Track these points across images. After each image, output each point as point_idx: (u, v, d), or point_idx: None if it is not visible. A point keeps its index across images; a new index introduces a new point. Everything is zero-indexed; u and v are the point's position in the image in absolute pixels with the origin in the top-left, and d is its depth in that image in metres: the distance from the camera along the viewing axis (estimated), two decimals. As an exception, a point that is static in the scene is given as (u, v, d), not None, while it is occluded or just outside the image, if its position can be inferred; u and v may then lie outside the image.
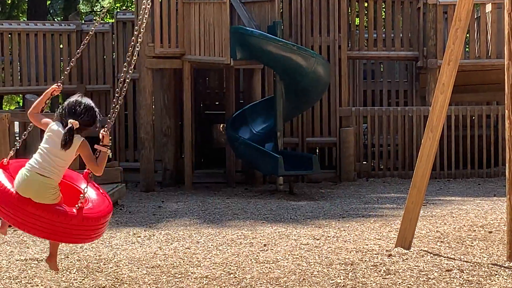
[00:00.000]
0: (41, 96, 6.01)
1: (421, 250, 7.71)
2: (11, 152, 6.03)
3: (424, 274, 6.72)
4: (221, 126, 16.26)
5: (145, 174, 14.22)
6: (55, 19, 27.24)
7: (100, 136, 5.81)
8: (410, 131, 15.47)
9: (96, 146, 5.79)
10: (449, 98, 7.67)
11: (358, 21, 16.31)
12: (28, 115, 5.94)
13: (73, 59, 6.45)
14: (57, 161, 5.71)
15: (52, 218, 5.66)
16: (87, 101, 5.83)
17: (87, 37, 6.61)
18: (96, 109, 5.84)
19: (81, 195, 5.82)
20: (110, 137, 5.99)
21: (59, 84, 6.08)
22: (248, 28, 13.52)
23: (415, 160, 8.33)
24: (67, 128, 5.66)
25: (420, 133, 14.68)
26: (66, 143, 5.64)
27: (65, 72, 6.49)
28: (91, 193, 5.97)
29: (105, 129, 5.86)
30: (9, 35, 15.91)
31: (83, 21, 17.73)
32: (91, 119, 5.78)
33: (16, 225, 5.78)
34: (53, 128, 5.77)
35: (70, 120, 5.68)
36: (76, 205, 5.76)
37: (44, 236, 5.85)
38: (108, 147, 5.82)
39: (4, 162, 5.92)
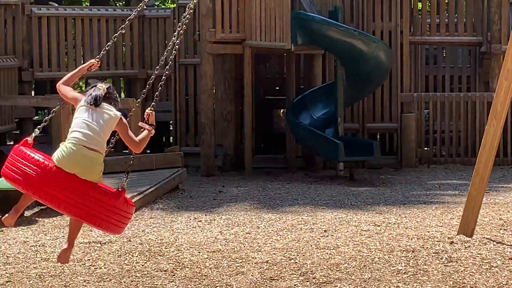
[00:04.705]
0: (76, 70, 5.53)
1: (484, 238, 7.62)
2: (36, 130, 5.50)
3: (486, 262, 6.64)
4: (281, 111, 16.24)
5: (205, 159, 14.29)
6: (117, 5, 27.47)
7: (145, 115, 5.42)
8: (473, 117, 15.25)
9: (140, 124, 5.39)
10: (514, 84, 7.55)
11: (421, 6, 16.11)
12: (57, 86, 5.44)
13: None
14: (101, 133, 5.19)
15: (98, 197, 5.11)
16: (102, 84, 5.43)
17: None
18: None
19: (124, 177, 5.39)
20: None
21: (97, 59, 5.62)
22: (309, 13, 13.46)
23: (478, 146, 8.24)
24: (95, 88, 5.29)
25: (483, 119, 14.48)
26: (97, 100, 5.19)
27: (102, 52, 5.79)
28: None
29: (151, 108, 5.46)
30: (73, 20, 16.10)
31: (145, 7, 17.83)
32: (113, 90, 5.38)
33: (52, 204, 5.16)
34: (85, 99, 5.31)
35: (98, 84, 5.34)
36: (119, 187, 5.28)
37: (83, 217, 5.17)
38: (153, 126, 5.40)
39: (29, 141, 5.33)
